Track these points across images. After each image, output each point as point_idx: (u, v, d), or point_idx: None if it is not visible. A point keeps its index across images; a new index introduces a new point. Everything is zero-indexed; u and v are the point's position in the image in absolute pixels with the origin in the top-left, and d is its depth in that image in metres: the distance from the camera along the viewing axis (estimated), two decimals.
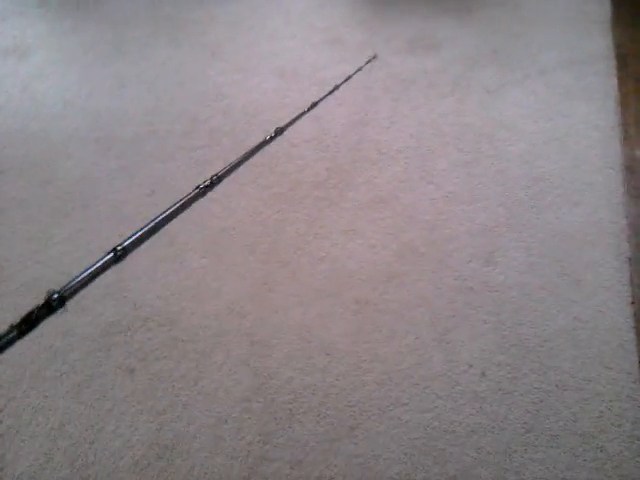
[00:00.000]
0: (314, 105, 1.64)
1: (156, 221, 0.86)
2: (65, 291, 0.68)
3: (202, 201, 0.98)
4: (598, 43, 2.51)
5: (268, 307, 1.75)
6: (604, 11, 2.65)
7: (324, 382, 1.59)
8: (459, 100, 2.33)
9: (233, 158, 2.14)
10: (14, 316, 1.73)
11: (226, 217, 1.97)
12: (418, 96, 2.36)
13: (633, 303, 1.71)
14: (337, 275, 1.82)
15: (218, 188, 1.03)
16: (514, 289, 1.75)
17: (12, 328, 0.62)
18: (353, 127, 2.25)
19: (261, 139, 1.27)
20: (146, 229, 0.84)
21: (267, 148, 2.17)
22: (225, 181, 1.07)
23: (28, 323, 0.63)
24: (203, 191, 0.98)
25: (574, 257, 1.82)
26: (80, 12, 2.91)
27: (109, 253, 0.76)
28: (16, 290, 1.82)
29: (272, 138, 1.30)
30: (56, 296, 0.67)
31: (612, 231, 1.87)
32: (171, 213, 0.91)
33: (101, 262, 0.75)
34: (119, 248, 0.78)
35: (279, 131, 1.33)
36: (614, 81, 2.35)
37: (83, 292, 1.84)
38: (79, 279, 0.71)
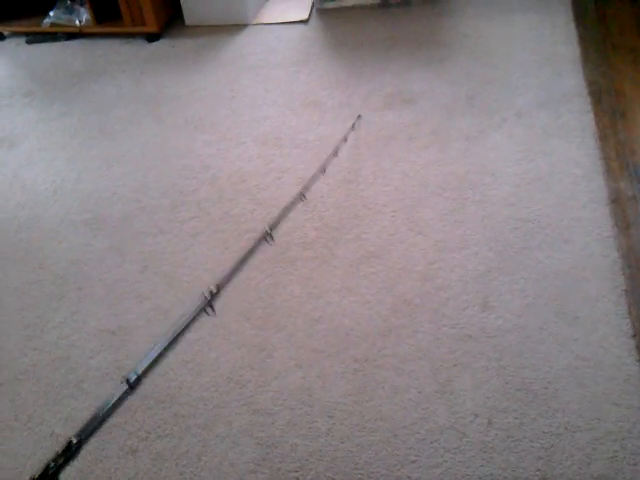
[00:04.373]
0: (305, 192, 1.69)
1: (164, 345, 0.83)
2: (82, 435, 0.66)
3: None
4: (570, 82, 2.57)
5: (267, 373, 1.73)
6: (572, 51, 2.72)
7: (329, 446, 1.56)
8: (440, 149, 2.37)
9: (222, 227, 2.15)
10: (10, 408, 1.70)
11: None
12: (400, 149, 2.39)
13: (634, 336, 1.69)
14: (334, 334, 1.81)
15: None
16: (513, 333, 1.74)
17: None
18: (338, 185, 2.28)
19: (257, 233, 1.31)
20: (156, 354, 0.81)
21: (254, 215, 2.19)
22: None
23: (45, 477, 0.61)
24: (208, 303, 0.98)
25: (570, 295, 1.81)
26: (65, 97, 2.98)
27: (122, 383, 0.73)
28: (14, 379, 1.80)
29: (268, 235, 1.33)
30: (75, 441, 0.65)
31: (605, 265, 1.87)
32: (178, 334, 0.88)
33: (117, 396, 0.72)
34: (133, 378, 0.74)
35: (272, 227, 1.37)
36: (590, 117, 2.39)
37: (82, 376, 1.80)
38: (98, 418, 0.69)
